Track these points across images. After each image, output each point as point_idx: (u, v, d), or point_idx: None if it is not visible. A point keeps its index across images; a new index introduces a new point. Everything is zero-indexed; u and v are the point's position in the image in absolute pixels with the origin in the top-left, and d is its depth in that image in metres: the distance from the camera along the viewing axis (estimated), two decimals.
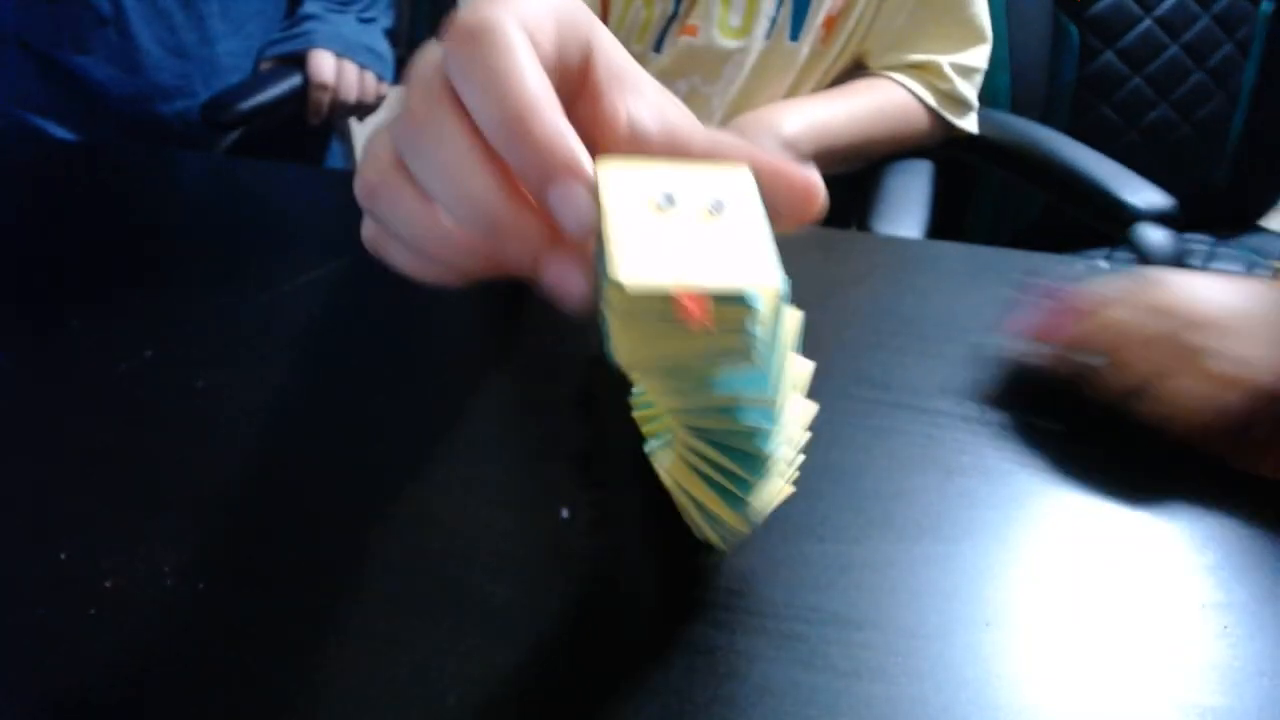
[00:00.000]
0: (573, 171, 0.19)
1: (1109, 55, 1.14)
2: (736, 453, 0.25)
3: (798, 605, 0.34)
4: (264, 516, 0.38)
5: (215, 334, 0.49)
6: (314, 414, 0.43)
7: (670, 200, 0.18)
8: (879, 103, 0.79)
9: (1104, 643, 0.33)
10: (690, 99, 0.75)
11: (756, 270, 0.18)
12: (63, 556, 0.36)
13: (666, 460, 0.32)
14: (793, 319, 0.24)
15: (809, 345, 0.36)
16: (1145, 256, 0.83)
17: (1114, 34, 1.14)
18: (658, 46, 0.73)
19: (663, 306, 0.18)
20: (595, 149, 0.21)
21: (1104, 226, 0.88)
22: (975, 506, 0.39)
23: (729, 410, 0.23)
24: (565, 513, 0.38)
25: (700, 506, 0.29)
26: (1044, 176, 0.94)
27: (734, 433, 0.24)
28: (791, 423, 0.29)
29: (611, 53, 0.23)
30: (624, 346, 0.19)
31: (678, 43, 0.72)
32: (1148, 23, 1.14)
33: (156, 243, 0.59)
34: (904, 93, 0.80)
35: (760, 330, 0.18)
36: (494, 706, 0.30)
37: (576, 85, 0.22)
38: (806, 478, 0.40)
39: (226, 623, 0.33)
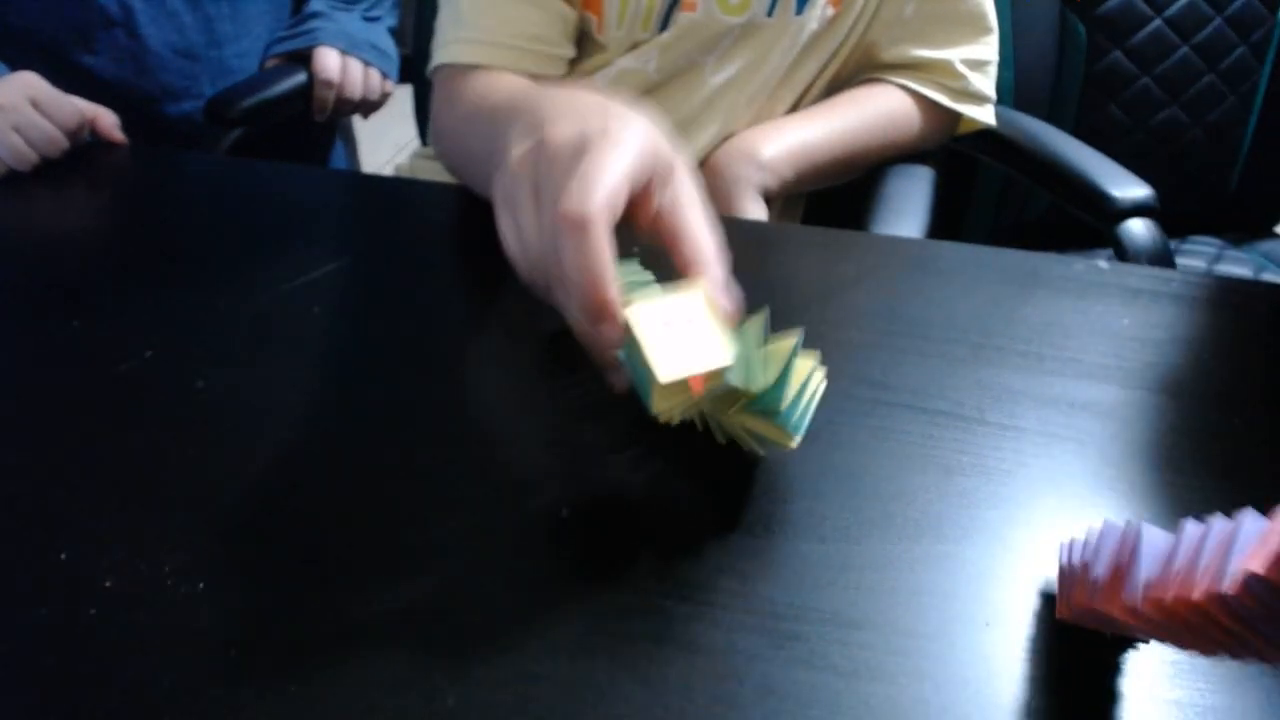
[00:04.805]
0: (616, 325, 0.35)
1: (1117, 54, 1.14)
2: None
3: (798, 605, 0.34)
4: (264, 516, 0.38)
5: (215, 334, 0.49)
6: (313, 414, 0.43)
7: (668, 324, 0.35)
8: (866, 113, 0.79)
9: (1102, 642, 0.33)
10: (688, 71, 0.77)
11: (718, 355, 0.35)
12: (63, 556, 0.36)
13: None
14: (754, 325, 0.38)
15: (809, 346, 0.36)
16: (1129, 254, 0.82)
17: (1122, 33, 1.13)
18: (662, 28, 0.74)
19: (682, 383, 0.35)
20: (640, 228, 0.39)
21: (1088, 219, 0.87)
22: (974, 506, 0.38)
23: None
24: (565, 512, 0.38)
25: (749, 431, 0.39)
26: (1031, 168, 0.94)
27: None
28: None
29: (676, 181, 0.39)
30: (660, 402, 0.37)
31: (679, 19, 0.73)
32: (1157, 23, 1.14)
33: (157, 243, 0.60)
34: (898, 98, 0.80)
35: (729, 374, 0.35)
36: (495, 706, 0.30)
37: (639, 195, 0.38)
38: (807, 477, 0.40)
39: (226, 623, 0.33)
